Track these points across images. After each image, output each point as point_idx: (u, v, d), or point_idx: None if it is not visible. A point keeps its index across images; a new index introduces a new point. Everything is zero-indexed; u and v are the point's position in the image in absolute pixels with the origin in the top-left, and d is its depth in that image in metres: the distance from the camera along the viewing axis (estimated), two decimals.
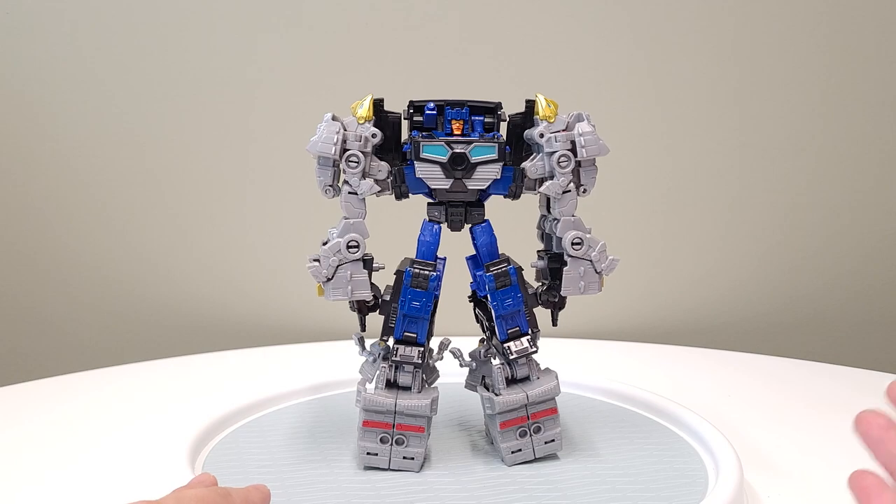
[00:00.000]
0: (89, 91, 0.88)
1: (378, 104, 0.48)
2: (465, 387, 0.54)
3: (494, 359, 0.52)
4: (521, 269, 0.49)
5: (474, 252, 0.50)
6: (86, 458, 0.56)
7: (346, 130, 0.46)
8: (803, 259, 0.94)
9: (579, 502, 0.45)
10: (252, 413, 0.58)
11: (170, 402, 0.68)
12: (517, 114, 0.49)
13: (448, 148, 0.47)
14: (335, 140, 0.46)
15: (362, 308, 0.49)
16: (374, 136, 0.47)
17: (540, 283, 0.52)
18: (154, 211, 0.91)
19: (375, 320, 0.50)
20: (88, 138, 0.89)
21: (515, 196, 0.49)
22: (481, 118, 0.48)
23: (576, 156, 0.47)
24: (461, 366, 0.53)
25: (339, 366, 0.63)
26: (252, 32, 0.87)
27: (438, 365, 0.51)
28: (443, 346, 0.51)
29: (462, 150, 0.46)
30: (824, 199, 0.92)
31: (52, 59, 0.87)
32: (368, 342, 0.51)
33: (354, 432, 0.49)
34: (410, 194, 0.49)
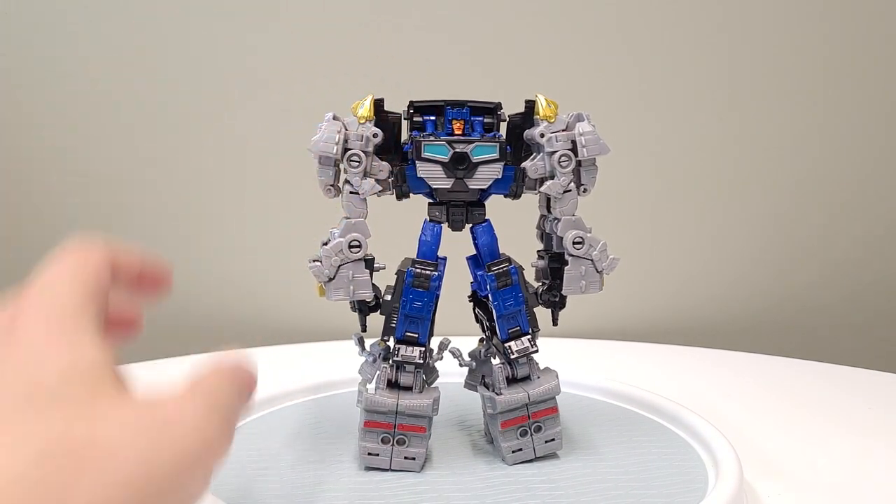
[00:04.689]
0: (88, 91, 0.88)
1: (378, 104, 0.48)
2: (465, 386, 0.54)
3: (494, 358, 0.52)
4: (521, 268, 0.50)
5: (474, 252, 0.50)
6: None
7: (347, 130, 0.46)
8: (804, 258, 0.94)
9: (582, 499, 0.45)
10: (252, 413, 0.58)
11: None
12: (516, 114, 0.49)
13: (449, 147, 0.47)
14: (337, 139, 0.46)
15: (363, 308, 0.49)
16: (375, 135, 0.47)
17: (540, 283, 0.52)
18: (153, 210, 0.91)
19: (375, 320, 0.50)
20: (88, 138, 0.89)
21: (516, 196, 0.49)
22: (481, 118, 0.48)
23: (577, 155, 0.47)
24: (461, 365, 0.53)
25: (339, 366, 0.63)
26: (251, 33, 0.87)
27: (438, 365, 0.51)
28: (442, 346, 0.51)
29: (463, 150, 0.47)
30: (826, 198, 0.92)
31: (51, 59, 0.87)
32: (368, 342, 0.51)
33: (354, 432, 0.49)
34: (411, 194, 0.49)
